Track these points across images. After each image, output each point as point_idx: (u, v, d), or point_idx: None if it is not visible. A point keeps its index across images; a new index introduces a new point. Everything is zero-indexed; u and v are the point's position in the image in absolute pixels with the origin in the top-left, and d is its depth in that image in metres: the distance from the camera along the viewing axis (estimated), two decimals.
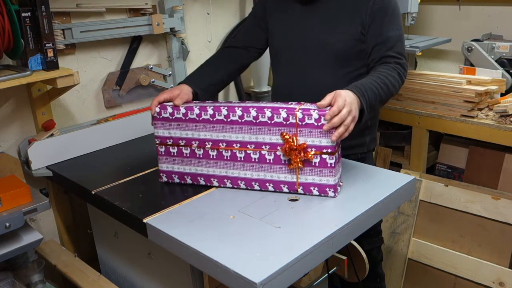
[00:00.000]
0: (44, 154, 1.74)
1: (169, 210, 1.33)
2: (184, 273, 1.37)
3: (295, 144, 1.28)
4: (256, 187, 1.38)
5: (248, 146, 1.35)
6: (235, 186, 1.41)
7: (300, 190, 1.34)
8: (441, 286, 2.13)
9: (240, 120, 1.33)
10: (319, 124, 1.25)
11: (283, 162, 1.32)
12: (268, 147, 1.33)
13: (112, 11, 1.98)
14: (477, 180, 2.16)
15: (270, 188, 1.37)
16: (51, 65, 1.62)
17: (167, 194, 1.48)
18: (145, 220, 1.28)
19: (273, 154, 1.33)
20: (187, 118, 1.39)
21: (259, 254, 1.09)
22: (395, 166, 2.45)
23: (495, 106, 2.03)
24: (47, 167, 1.74)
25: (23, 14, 1.56)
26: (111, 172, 1.68)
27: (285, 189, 1.35)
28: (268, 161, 1.34)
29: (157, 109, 1.43)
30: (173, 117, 1.41)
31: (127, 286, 1.69)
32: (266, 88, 2.53)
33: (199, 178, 1.44)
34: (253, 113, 1.31)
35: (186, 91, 1.49)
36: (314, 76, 1.60)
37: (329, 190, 1.31)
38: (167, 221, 1.26)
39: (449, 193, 2.14)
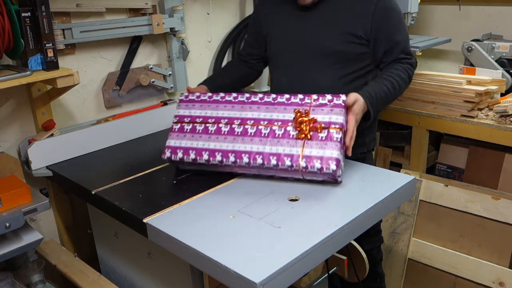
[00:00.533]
0: (44, 154, 1.74)
1: (169, 210, 1.33)
2: (184, 273, 1.37)
3: (307, 117, 1.38)
4: (259, 160, 1.37)
5: (261, 122, 1.42)
6: (238, 160, 1.39)
7: (302, 163, 1.33)
8: (441, 286, 2.13)
9: (260, 101, 1.46)
10: (331, 103, 1.38)
11: (291, 136, 1.38)
12: (280, 123, 1.40)
13: (112, 11, 1.98)
14: (477, 180, 2.16)
15: (273, 161, 1.36)
16: (51, 65, 1.62)
17: (167, 194, 1.49)
18: (145, 220, 1.28)
19: (283, 129, 1.39)
20: (211, 99, 1.54)
21: (259, 254, 1.09)
22: (395, 166, 2.45)
23: (495, 106, 2.03)
24: (47, 167, 1.74)
25: (23, 14, 1.56)
26: (111, 172, 1.68)
27: (287, 162, 1.35)
28: (277, 135, 1.39)
29: (186, 93, 1.58)
30: (199, 99, 1.54)
31: (127, 286, 1.69)
32: (266, 88, 2.53)
33: (203, 152, 1.43)
34: (273, 95, 1.47)
35: (202, 88, 1.71)
36: (312, 78, 1.61)
37: (332, 163, 1.31)
38: (167, 221, 1.26)
39: (449, 193, 2.14)
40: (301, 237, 1.15)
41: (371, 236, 1.77)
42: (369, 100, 1.42)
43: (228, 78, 1.83)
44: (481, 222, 2.06)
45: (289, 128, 1.39)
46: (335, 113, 1.37)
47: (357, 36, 1.54)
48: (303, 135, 1.36)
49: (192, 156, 1.45)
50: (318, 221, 1.22)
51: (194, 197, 1.39)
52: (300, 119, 1.38)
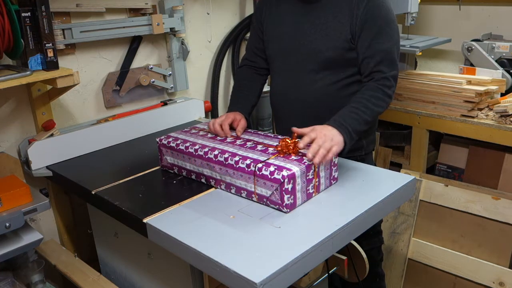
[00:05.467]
0: (44, 154, 1.74)
1: (169, 210, 1.33)
2: (184, 273, 1.37)
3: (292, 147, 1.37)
4: (221, 158, 1.38)
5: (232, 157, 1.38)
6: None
7: (259, 164, 1.31)
8: (441, 286, 2.13)
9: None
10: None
11: (257, 149, 1.40)
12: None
13: (112, 11, 1.98)
14: (477, 180, 2.16)
15: (233, 160, 1.36)
16: (51, 65, 1.62)
17: (167, 194, 1.49)
18: (145, 220, 1.28)
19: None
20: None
21: (259, 254, 1.09)
22: (395, 166, 2.45)
23: (495, 106, 2.03)
24: (47, 167, 1.74)
25: (23, 14, 1.56)
26: (111, 172, 1.68)
27: (247, 161, 1.33)
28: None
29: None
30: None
31: (127, 286, 1.69)
32: (265, 88, 2.52)
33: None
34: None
35: (241, 117, 1.61)
36: (306, 82, 1.61)
37: (285, 171, 1.25)
38: (167, 221, 1.26)
39: (449, 193, 2.14)
40: (301, 237, 1.15)
41: (371, 237, 1.77)
42: (335, 122, 1.40)
43: (254, 96, 1.79)
44: (481, 222, 2.06)
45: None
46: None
47: (347, 41, 1.52)
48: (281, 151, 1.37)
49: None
50: (318, 221, 1.22)
51: (194, 197, 1.39)
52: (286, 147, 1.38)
